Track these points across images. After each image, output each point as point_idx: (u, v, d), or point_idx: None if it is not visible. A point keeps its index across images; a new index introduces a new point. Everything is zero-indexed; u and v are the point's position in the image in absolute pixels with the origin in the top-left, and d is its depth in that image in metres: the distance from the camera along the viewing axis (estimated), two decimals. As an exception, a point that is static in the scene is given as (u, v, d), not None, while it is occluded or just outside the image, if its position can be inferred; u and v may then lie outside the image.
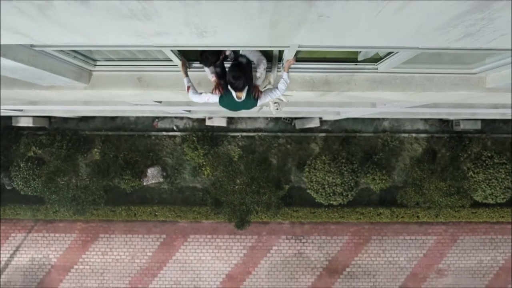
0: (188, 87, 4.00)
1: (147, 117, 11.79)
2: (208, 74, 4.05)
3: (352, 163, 10.68)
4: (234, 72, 3.68)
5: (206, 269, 11.84)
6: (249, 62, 3.97)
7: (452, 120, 11.58)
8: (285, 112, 9.16)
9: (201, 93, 3.99)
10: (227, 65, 4.09)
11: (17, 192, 11.40)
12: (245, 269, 11.83)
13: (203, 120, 11.48)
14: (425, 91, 4.09)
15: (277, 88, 3.90)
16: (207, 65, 3.83)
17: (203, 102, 4.01)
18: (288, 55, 3.47)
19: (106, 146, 11.61)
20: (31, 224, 11.83)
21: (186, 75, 3.97)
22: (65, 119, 11.84)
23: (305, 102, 5.84)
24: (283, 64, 3.85)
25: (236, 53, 4.03)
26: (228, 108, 4.11)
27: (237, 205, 10.54)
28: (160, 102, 6.04)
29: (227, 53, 3.83)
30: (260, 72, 3.97)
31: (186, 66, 3.95)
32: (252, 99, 3.94)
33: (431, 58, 3.84)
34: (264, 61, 3.95)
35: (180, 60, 3.86)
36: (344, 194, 10.53)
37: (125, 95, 4.48)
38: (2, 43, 2.42)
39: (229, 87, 3.78)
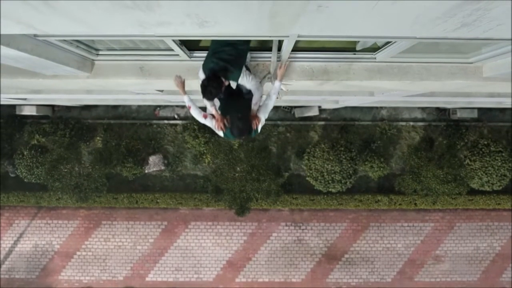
0: (189, 107, 4.00)
1: (149, 106, 11.81)
2: (207, 106, 4.01)
3: (350, 151, 10.74)
4: (237, 129, 3.76)
5: (207, 256, 11.99)
6: (249, 93, 3.94)
7: (449, 109, 11.59)
8: (284, 100, 9.19)
9: (205, 116, 4.01)
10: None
11: (21, 180, 11.50)
12: (245, 256, 11.98)
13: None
14: (422, 80, 4.13)
15: (267, 100, 3.97)
16: (211, 99, 3.80)
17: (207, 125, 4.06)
18: (286, 49, 3.50)
19: (109, 134, 11.66)
20: (34, 211, 11.95)
21: (185, 93, 3.94)
22: (68, 108, 11.86)
23: (304, 91, 5.89)
24: (280, 57, 3.89)
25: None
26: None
27: (237, 193, 10.65)
28: (162, 91, 6.07)
29: (227, 83, 3.78)
30: (256, 100, 3.98)
31: (182, 83, 3.94)
32: (253, 131, 4.01)
33: (429, 48, 3.87)
34: (261, 89, 3.96)
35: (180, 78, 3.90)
36: (342, 181, 10.62)
37: (127, 84, 4.51)
38: (6, 32, 2.46)
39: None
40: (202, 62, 4.06)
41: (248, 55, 3.98)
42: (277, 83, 3.89)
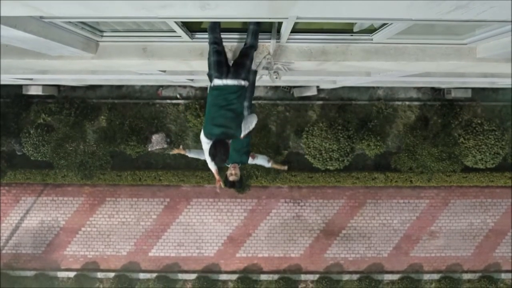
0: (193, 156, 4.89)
1: (152, 86, 11.82)
2: (211, 166, 4.58)
3: (348, 130, 10.84)
4: (230, 185, 4.88)
5: (208, 231, 12.20)
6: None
7: (443, 89, 11.59)
8: (284, 81, 9.21)
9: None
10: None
11: (27, 158, 11.64)
12: (246, 231, 12.20)
13: (205, 88, 11.54)
14: (418, 61, 4.17)
15: (256, 162, 5.18)
16: (223, 163, 4.21)
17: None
18: (285, 31, 3.56)
19: (113, 114, 11.75)
20: (40, 188, 12.13)
21: (185, 151, 5.05)
22: (73, 88, 11.89)
23: (303, 71, 5.96)
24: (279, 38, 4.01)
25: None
26: None
27: (238, 170, 10.79)
28: (164, 71, 6.11)
29: (230, 141, 4.01)
30: (245, 131, 4.17)
31: (178, 149, 5.15)
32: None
33: (424, 29, 3.90)
34: (254, 121, 4.19)
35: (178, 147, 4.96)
36: (340, 159, 10.76)
37: (131, 64, 4.56)
38: (13, 15, 2.52)
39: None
40: (203, 45, 4.16)
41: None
42: (271, 163, 5.32)
